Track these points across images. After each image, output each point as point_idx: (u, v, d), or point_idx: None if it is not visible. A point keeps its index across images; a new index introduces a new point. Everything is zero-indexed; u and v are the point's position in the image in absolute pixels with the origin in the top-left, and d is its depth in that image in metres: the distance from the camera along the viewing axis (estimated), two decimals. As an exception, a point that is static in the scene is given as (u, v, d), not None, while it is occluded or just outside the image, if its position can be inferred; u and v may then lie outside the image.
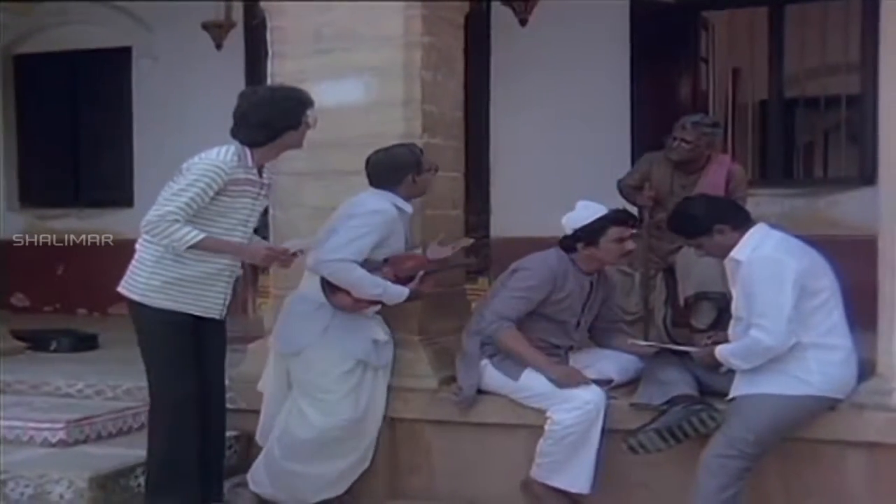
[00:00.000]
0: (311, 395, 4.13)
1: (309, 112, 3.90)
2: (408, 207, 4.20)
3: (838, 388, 3.70)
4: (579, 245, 4.14)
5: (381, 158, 4.20)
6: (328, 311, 4.10)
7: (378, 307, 4.17)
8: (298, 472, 4.17)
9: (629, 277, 5.30)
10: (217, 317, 3.95)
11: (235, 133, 3.87)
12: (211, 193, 3.72)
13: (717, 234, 3.79)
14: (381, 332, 4.22)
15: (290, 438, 4.15)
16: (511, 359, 4.11)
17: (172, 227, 3.65)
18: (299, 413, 4.15)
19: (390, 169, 4.17)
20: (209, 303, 3.89)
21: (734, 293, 3.81)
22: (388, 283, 4.07)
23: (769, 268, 3.62)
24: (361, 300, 4.06)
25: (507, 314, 4.08)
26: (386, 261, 4.11)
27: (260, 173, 3.91)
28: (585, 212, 4.17)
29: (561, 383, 3.98)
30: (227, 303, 3.97)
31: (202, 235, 3.69)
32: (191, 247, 3.68)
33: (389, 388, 4.33)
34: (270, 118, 3.82)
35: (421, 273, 4.16)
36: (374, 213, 4.08)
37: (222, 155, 3.77)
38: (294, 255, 4.01)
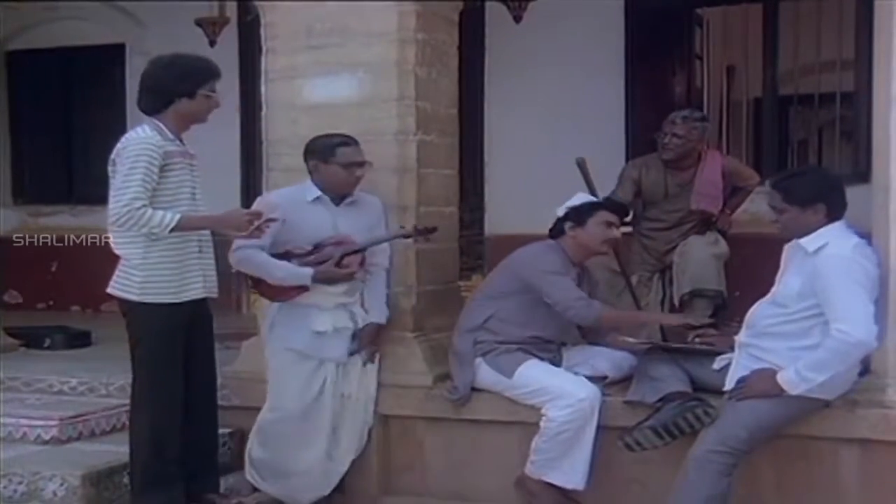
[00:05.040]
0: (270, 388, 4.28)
1: (212, 84, 3.82)
2: (310, 194, 4.20)
3: (835, 390, 3.69)
4: (567, 225, 4.16)
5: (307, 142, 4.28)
6: (275, 306, 4.22)
7: (349, 298, 4.21)
8: (263, 458, 4.26)
9: (621, 277, 5.30)
10: (215, 294, 3.94)
11: (139, 102, 3.84)
12: (155, 170, 3.66)
13: (812, 211, 3.64)
14: (326, 324, 4.19)
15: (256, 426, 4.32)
16: (505, 356, 4.11)
17: (146, 213, 3.60)
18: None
19: (305, 153, 4.25)
20: (209, 280, 3.88)
21: (782, 278, 3.72)
22: (291, 266, 4.10)
23: (854, 269, 3.52)
24: (283, 288, 4.12)
25: (583, 295, 4.07)
26: (317, 247, 4.14)
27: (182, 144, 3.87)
28: (580, 200, 4.24)
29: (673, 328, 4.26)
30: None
31: (178, 216, 3.65)
32: (172, 229, 3.63)
33: (380, 385, 4.33)
34: (163, 82, 3.77)
35: (337, 256, 4.12)
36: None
37: (141, 132, 3.72)
38: (267, 221, 3.96)
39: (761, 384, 3.60)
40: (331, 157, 4.18)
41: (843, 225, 3.68)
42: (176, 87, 3.77)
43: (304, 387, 4.18)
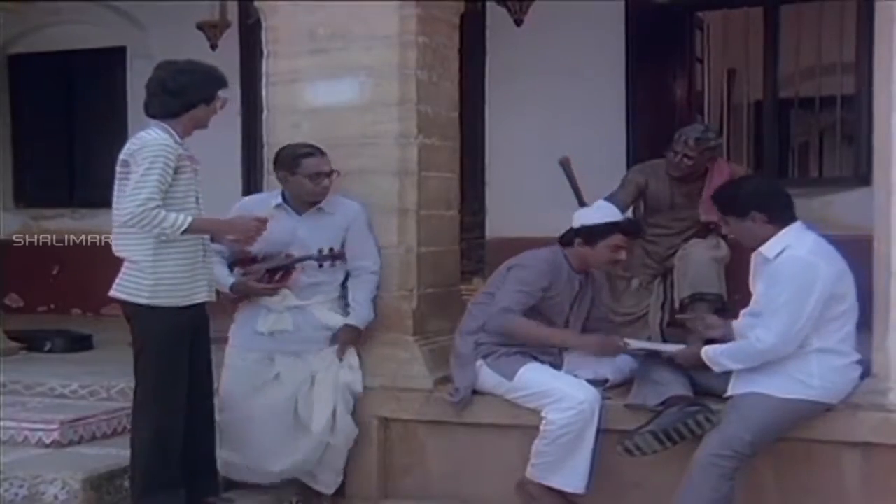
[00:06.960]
0: None
1: (221, 93, 3.87)
2: (275, 200, 4.25)
3: (837, 394, 3.70)
4: (577, 241, 4.15)
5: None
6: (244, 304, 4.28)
7: (304, 301, 4.21)
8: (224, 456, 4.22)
9: (624, 281, 5.30)
10: (214, 298, 3.96)
11: (149, 105, 3.82)
12: (171, 172, 3.66)
13: (750, 220, 3.73)
14: (265, 326, 4.21)
15: None
16: (505, 358, 4.11)
17: (160, 214, 3.60)
18: None
19: (273, 164, 4.31)
20: (211, 284, 3.90)
21: (755, 288, 3.77)
22: (224, 274, 4.16)
23: (801, 271, 3.59)
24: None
25: (511, 307, 4.06)
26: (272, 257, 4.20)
27: None
28: (600, 212, 4.20)
29: (598, 353, 4.00)
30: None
31: (190, 218, 3.66)
32: (183, 231, 3.63)
33: (380, 388, 4.33)
34: (188, 86, 3.79)
35: (262, 271, 4.15)
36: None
37: (155, 134, 3.71)
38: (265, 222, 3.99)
39: (690, 358, 3.85)
40: (296, 168, 4.20)
41: (800, 227, 3.75)
42: (198, 92, 3.81)
43: (248, 375, 4.20)
